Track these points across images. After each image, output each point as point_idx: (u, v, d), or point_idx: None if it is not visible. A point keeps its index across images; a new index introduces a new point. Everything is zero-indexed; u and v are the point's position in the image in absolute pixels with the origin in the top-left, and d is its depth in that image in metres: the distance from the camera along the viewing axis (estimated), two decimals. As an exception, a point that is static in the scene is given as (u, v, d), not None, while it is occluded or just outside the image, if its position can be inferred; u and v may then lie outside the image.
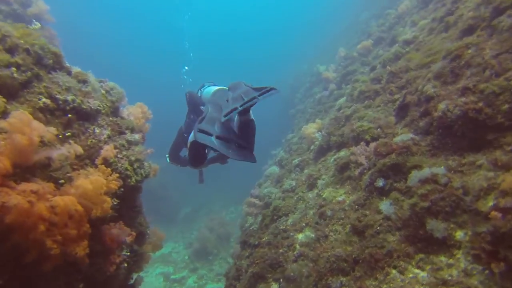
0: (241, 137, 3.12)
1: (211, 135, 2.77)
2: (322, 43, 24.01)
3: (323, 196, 4.38)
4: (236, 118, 3.17)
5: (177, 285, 11.31)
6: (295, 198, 5.10)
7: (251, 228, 5.69)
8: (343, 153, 5.22)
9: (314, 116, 10.92)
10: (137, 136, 3.87)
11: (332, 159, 5.32)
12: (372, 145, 4.09)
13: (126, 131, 3.81)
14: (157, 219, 17.96)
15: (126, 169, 3.36)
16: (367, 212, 3.45)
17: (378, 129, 4.41)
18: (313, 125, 7.64)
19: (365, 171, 4.12)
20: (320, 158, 6.29)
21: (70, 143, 2.73)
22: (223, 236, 13.52)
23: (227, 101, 2.99)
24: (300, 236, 4.06)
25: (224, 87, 3.78)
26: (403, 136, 3.81)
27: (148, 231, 4.12)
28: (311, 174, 5.28)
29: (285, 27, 43.74)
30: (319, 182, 4.95)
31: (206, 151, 3.78)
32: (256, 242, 4.87)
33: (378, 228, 3.16)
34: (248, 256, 4.97)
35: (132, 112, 4.30)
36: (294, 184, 5.73)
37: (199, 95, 4.38)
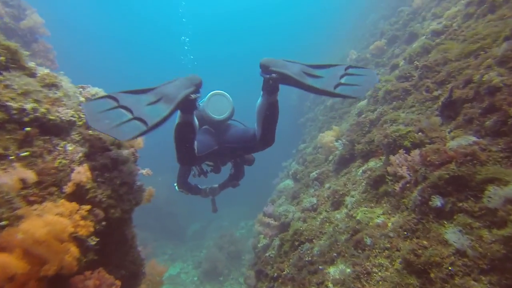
0: (266, 121, 3.02)
1: None
2: (327, 48, 23.31)
3: (357, 217, 3.49)
4: (260, 99, 2.99)
5: (186, 311, 10.35)
6: (319, 220, 4.22)
7: (267, 254, 4.80)
8: (372, 163, 4.34)
9: (327, 124, 10.09)
10: (125, 153, 3.08)
11: (360, 171, 4.44)
12: (415, 153, 3.22)
13: (111, 148, 3.01)
14: (165, 236, 17.16)
15: (109, 197, 2.54)
16: (425, 243, 2.56)
17: (420, 133, 3.54)
18: (330, 132, 6.79)
19: (407, 185, 3.25)
20: (343, 170, 5.42)
21: (14, 168, 1.92)
22: (234, 254, 12.57)
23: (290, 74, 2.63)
24: (332, 270, 3.17)
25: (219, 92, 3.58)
26: (462, 140, 2.94)
27: (143, 269, 3.27)
28: (336, 189, 4.40)
29: (289, 32, 42.82)
30: (347, 199, 4.07)
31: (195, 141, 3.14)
32: (275, 275, 3.98)
33: (449, 268, 2.27)
34: (266, 292, 4.08)
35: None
36: (315, 201, 4.85)
37: (200, 111, 3.77)
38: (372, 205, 3.61)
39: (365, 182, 4.01)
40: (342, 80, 2.62)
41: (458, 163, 2.69)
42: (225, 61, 44.32)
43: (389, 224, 3.12)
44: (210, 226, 17.47)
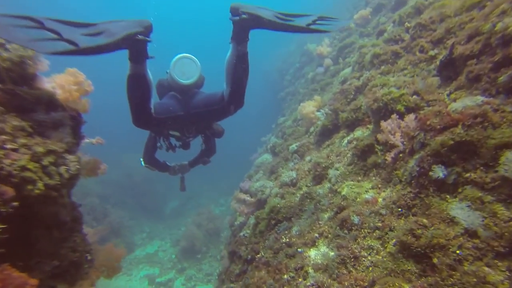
0: (235, 76, 2.84)
1: None
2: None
3: (342, 193, 3.01)
4: (230, 52, 2.82)
5: (163, 289, 9.96)
6: (299, 196, 3.73)
7: (241, 234, 4.32)
8: (359, 133, 3.85)
9: (307, 97, 9.53)
10: (58, 116, 2.42)
11: (345, 142, 3.95)
12: (411, 117, 2.73)
13: (38, 108, 2.34)
14: (143, 214, 16.55)
15: (24, 169, 1.91)
16: (425, 221, 2.10)
17: (415, 96, 3.04)
18: (311, 103, 6.25)
19: (401, 155, 2.77)
20: (325, 142, 4.93)
21: None
22: (212, 231, 12.17)
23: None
24: (313, 253, 2.70)
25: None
26: (467, 101, 2.45)
27: (90, 257, 2.69)
28: (318, 162, 3.90)
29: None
30: (331, 172, 3.58)
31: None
32: (249, 257, 3.51)
33: (457, 251, 1.82)
34: (239, 276, 3.62)
35: (59, 82, 2.81)
36: (294, 175, 4.35)
37: (167, 78, 3.57)
38: (360, 178, 3.13)
39: (351, 153, 3.53)
40: (312, 24, 2.60)
41: (466, 126, 2.21)
42: (196, 23, 41.61)
43: (380, 200, 2.65)
44: (188, 204, 16.96)
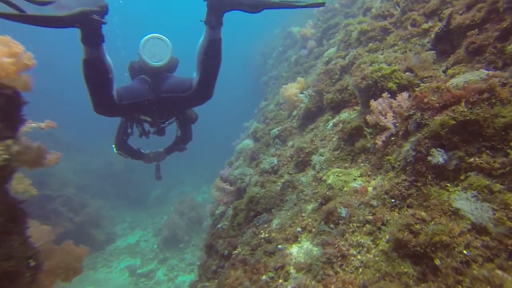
0: (206, 63, 2.65)
1: None
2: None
3: (327, 181, 2.67)
4: (202, 36, 2.63)
5: (144, 280, 9.59)
6: (280, 184, 3.39)
7: (219, 226, 3.97)
8: (345, 115, 3.52)
9: (291, 80, 9.15)
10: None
11: (330, 125, 3.61)
12: (403, 96, 2.40)
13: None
14: (124, 204, 15.99)
15: None
16: (424, 214, 1.78)
17: (408, 73, 2.70)
18: (294, 84, 5.87)
19: (392, 138, 2.45)
20: (308, 126, 4.59)
21: None
22: (195, 220, 11.83)
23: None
24: (295, 250, 2.38)
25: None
26: (469, 75, 2.13)
27: (32, 262, 2.27)
28: (301, 147, 3.56)
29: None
30: (315, 158, 3.24)
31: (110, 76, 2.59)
32: (226, 252, 3.17)
33: (464, 251, 1.52)
34: (216, 272, 3.29)
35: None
36: (275, 162, 4.00)
37: (138, 60, 3.35)
38: (347, 165, 2.80)
39: (336, 137, 3.19)
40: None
41: (470, 104, 1.89)
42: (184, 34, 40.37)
43: (370, 189, 2.33)
44: (171, 192, 16.53)
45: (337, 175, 2.63)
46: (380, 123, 2.53)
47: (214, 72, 2.71)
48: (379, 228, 1.97)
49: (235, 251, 2.95)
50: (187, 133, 4.24)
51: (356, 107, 3.55)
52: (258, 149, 5.43)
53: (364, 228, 2.06)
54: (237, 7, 2.43)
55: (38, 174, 13.65)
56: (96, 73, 2.49)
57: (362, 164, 2.68)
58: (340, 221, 2.22)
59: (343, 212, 2.23)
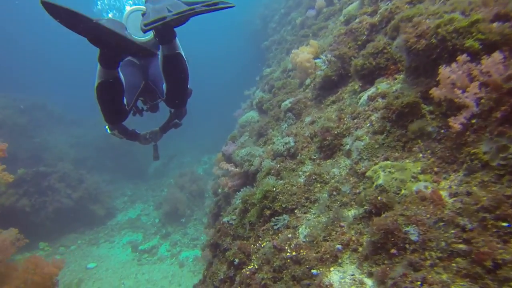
0: (168, 82, 2.27)
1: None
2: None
3: (377, 180, 1.90)
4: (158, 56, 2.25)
5: (147, 256, 9.20)
6: (303, 175, 2.64)
7: (225, 220, 3.26)
8: (384, 85, 2.69)
9: (297, 44, 8.12)
10: None
11: (364, 98, 2.78)
12: (496, 58, 1.58)
13: None
14: (124, 176, 15.38)
15: None
16: None
17: (498, 23, 1.85)
18: (306, 48, 4.94)
19: (473, 120, 1.67)
20: (328, 98, 3.77)
21: None
22: (196, 193, 11.26)
23: (143, 15, 1.89)
24: (336, 278, 1.67)
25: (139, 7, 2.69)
26: None
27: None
28: (326, 126, 2.76)
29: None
30: (349, 143, 2.46)
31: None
32: (236, 261, 2.48)
33: None
34: (224, 282, 2.63)
35: None
36: (292, 143, 3.21)
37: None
38: (397, 154, 2.03)
39: (377, 115, 2.38)
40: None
41: None
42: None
43: (445, 196, 1.58)
44: (171, 163, 15.87)
45: (389, 171, 1.86)
46: (456, 99, 1.72)
47: (179, 87, 2.36)
48: (488, 270, 1.23)
49: (249, 266, 2.25)
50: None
51: (397, 76, 2.72)
52: (266, 123, 4.63)
53: (454, 264, 1.33)
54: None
55: (32, 149, 12.93)
56: (114, 95, 2.22)
57: (421, 155, 1.90)
58: (408, 247, 1.48)
59: (412, 233, 1.49)
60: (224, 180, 4.30)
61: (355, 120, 2.61)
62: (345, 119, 2.74)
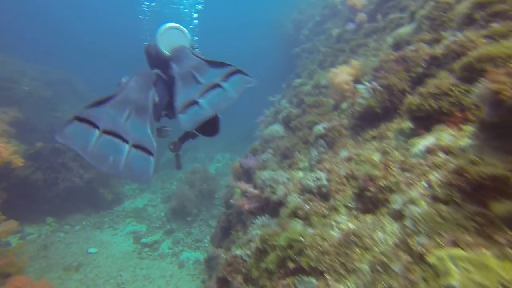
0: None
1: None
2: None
3: (450, 280, 1.47)
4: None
5: (148, 250, 8.97)
6: (336, 228, 2.24)
7: (238, 253, 2.89)
8: (447, 136, 2.25)
9: (331, 58, 7.68)
10: None
11: (419, 149, 2.34)
12: None
13: None
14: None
15: None
16: None
17: None
18: (345, 69, 4.50)
19: None
20: (368, 130, 3.36)
21: None
22: (206, 192, 10.97)
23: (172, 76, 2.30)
24: None
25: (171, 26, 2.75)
26: None
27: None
28: (370, 174, 2.34)
29: None
30: (398, 201, 2.04)
31: None
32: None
33: None
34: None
35: None
36: (324, 181, 2.81)
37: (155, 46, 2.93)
38: (471, 240, 1.59)
39: (440, 176, 1.95)
40: (206, 96, 2.08)
41: None
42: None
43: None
44: (184, 157, 15.63)
45: (464, 268, 1.44)
46: None
47: (214, 134, 2.57)
48: None
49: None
50: None
51: (463, 126, 2.27)
52: (293, 145, 4.24)
53: None
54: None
55: (52, 123, 12.93)
56: None
57: (511, 250, 1.47)
58: None
59: None
60: (240, 200, 3.94)
61: (407, 174, 2.18)
62: (393, 168, 2.32)
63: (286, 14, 18.53)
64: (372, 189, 2.26)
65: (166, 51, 2.73)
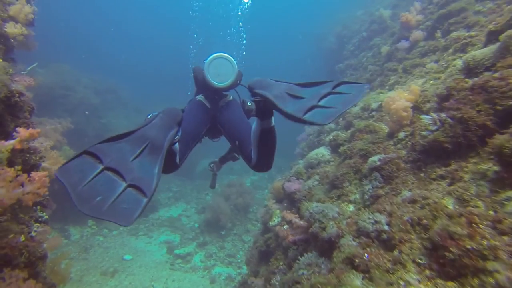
0: (261, 149, 2.34)
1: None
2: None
3: None
4: (254, 124, 2.32)
5: (181, 262, 8.93)
6: (408, 292, 1.90)
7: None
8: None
9: (380, 77, 7.25)
10: None
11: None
12: None
13: None
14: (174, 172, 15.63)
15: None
16: None
17: None
18: (403, 94, 4.12)
19: None
20: (434, 168, 2.97)
21: None
22: (241, 207, 10.80)
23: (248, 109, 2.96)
24: None
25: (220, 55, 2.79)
26: None
27: None
28: (449, 230, 1.98)
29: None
30: (499, 272, 1.67)
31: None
32: None
33: None
34: None
35: None
36: (385, 226, 2.47)
37: (203, 71, 2.93)
38: None
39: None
40: (321, 102, 1.71)
41: None
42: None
43: None
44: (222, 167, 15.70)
45: None
46: None
47: (271, 154, 2.41)
48: None
49: None
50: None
51: None
52: (343, 174, 3.91)
53: None
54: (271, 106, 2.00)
55: (98, 128, 13.62)
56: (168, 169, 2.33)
57: None
58: None
59: None
60: (284, 231, 3.67)
61: (505, 238, 1.80)
62: (481, 227, 1.94)
63: (329, 27, 18.18)
64: (454, 250, 1.90)
65: (211, 79, 2.79)
